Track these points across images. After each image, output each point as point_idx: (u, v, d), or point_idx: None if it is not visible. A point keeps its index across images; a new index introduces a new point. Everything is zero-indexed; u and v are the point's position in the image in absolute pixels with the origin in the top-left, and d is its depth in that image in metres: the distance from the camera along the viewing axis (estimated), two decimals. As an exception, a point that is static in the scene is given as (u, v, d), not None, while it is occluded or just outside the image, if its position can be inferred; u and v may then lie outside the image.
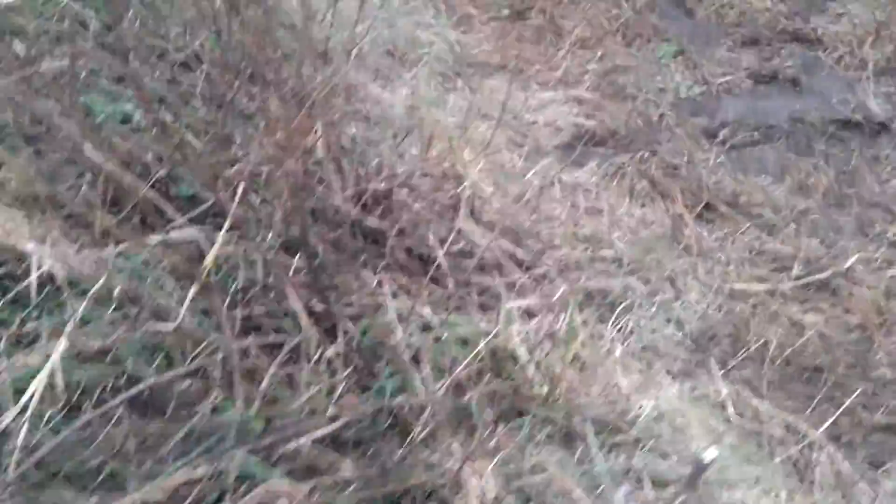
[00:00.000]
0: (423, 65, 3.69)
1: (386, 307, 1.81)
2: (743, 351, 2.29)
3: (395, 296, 1.86)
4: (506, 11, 4.51)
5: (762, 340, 2.30)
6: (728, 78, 3.64)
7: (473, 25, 4.40)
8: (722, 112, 3.45)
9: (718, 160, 3.18)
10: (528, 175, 3.04)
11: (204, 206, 1.75)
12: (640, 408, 1.92)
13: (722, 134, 3.33)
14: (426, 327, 1.80)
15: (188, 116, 2.11)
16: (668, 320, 2.41)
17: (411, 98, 3.26)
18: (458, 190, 2.62)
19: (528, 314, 2.04)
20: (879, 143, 3.13)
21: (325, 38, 3.01)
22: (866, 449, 1.97)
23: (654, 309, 2.43)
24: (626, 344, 2.21)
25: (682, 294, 2.54)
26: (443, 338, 1.75)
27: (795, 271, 2.54)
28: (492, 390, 1.74)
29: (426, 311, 1.81)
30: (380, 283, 1.89)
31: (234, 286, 1.75)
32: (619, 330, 2.26)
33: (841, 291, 2.42)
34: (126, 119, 2.02)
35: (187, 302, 1.48)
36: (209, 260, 1.48)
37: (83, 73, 1.98)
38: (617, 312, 2.33)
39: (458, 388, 1.72)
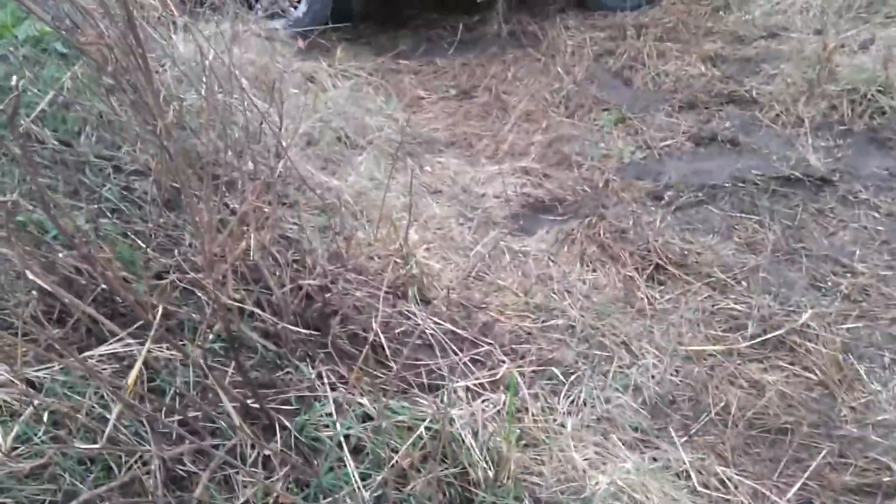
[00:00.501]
0: (372, 148, 3.72)
1: (323, 399, 1.74)
2: (704, 416, 2.24)
3: (333, 387, 1.79)
4: (453, 91, 4.61)
5: (722, 403, 2.25)
6: (669, 142, 3.70)
7: (423, 106, 4.48)
8: (665, 174, 3.48)
9: (665, 222, 3.18)
10: (478, 247, 3.03)
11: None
12: (597, 484, 1.84)
13: (667, 196, 3.35)
14: (366, 417, 1.73)
15: (139, 223, 2.08)
16: (625, 387, 2.35)
17: (358, 183, 3.27)
18: (404, 270, 2.59)
19: (475, 393, 1.98)
20: (823, 196, 3.16)
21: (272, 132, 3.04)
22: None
23: (608, 377, 2.38)
24: (579, 416, 2.15)
25: (637, 359, 2.49)
26: (382, 426, 1.67)
27: (751, 330, 2.51)
28: (436, 478, 1.66)
29: (364, 400, 1.74)
30: (319, 376, 1.82)
31: (169, 391, 1.69)
32: (572, 402, 2.20)
33: (798, 348, 2.38)
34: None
35: (112, 419, 1.42)
36: (132, 377, 1.42)
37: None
38: (569, 383, 2.28)
39: (402, 478, 1.64)
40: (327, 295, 2.14)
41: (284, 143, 2.95)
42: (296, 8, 4.81)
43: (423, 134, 4.10)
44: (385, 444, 1.64)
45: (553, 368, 2.33)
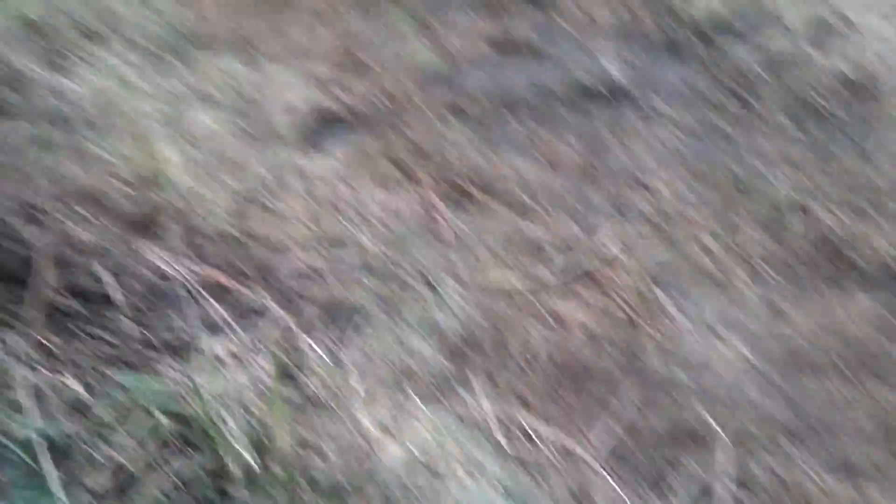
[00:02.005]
0: (124, 43, 3.07)
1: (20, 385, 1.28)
2: (509, 359, 2.02)
3: (33, 367, 1.33)
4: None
5: (526, 344, 2.04)
6: (469, 47, 3.40)
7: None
8: (466, 84, 3.20)
9: (466, 137, 2.91)
10: (258, 168, 2.58)
11: None
12: (388, 454, 1.56)
13: (467, 108, 3.07)
14: (77, 405, 1.29)
15: None
16: (426, 329, 2.08)
17: (102, 85, 2.66)
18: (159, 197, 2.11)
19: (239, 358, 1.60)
20: (622, 111, 3.02)
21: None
22: (648, 462, 1.76)
23: (407, 319, 2.09)
24: (373, 370, 1.85)
25: (440, 296, 2.22)
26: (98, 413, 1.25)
27: (556, 261, 2.32)
28: (180, 473, 1.28)
29: (75, 382, 1.30)
30: (6, 348, 1.34)
31: None
32: (363, 353, 1.89)
33: (603, 280, 2.22)
34: None
35: None
36: None
37: None
38: (362, 329, 1.97)
39: (130, 481, 1.25)
40: (36, 232, 1.63)
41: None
42: None
43: (191, 28, 3.48)
44: (103, 439, 1.23)
45: (343, 313, 2.00)
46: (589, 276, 2.24)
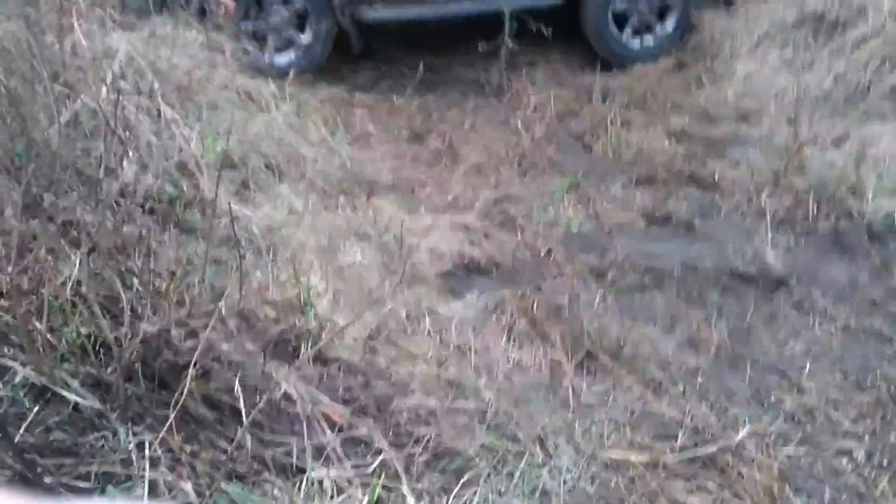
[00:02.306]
0: (302, 181, 3.39)
1: (136, 479, 1.37)
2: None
3: (155, 462, 1.42)
4: (405, 132, 4.34)
5: (637, 527, 1.92)
6: (621, 216, 3.43)
7: (370, 144, 4.19)
8: (612, 251, 3.20)
9: (604, 304, 2.89)
10: (394, 304, 2.69)
11: None
12: None
13: (611, 274, 3.06)
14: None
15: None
16: (531, 492, 2.01)
17: (274, 215, 2.93)
18: (300, 322, 2.24)
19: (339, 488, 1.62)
20: (776, 299, 2.88)
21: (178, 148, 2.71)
22: None
23: (514, 477, 2.03)
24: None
25: (551, 459, 2.15)
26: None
27: (681, 441, 2.20)
28: None
29: (189, 486, 1.37)
30: (140, 445, 1.44)
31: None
32: (464, 506, 1.85)
33: (730, 470, 2.07)
34: None
35: None
36: None
37: None
38: (464, 480, 1.93)
39: None
40: (188, 343, 1.78)
41: (192, 159, 2.62)
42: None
43: (363, 172, 3.79)
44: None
45: (449, 461, 1.98)
46: (714, 465, 2.09)
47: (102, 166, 1.76)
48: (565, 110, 4.36)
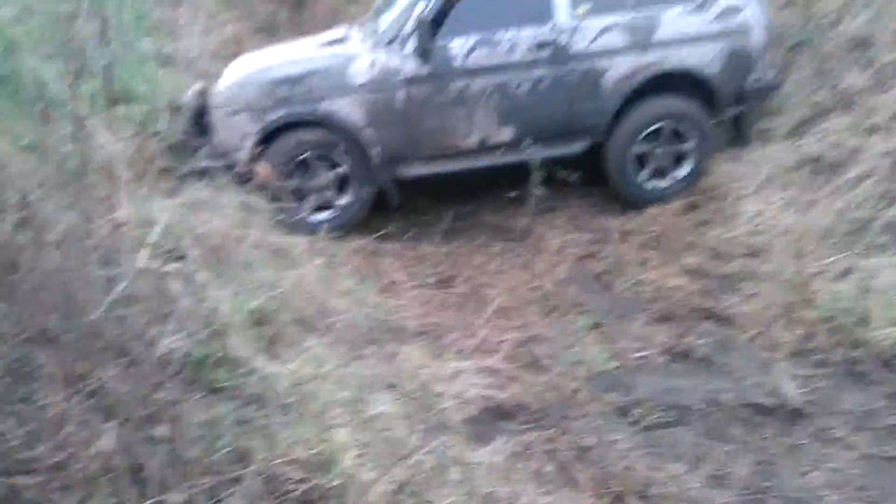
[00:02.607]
0: (330, 333, 3.56)
1: None
2: None
3: None
4: (432, 279, 4.53)
5: None
6: (643, 353, 3.53)
7: (398, 292, 4.37)
8: (636, 389, 3.28)
9: (631, 443, 2.94)
10: (419, 454, 2.76)
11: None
12: None
13: (635, 412, 3.13)
14: None
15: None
16: None
17: (302, 370, 3.07)
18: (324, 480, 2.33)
19: None
20: (796, 430, 2.92)
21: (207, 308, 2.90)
22: None
23: None
24: None
25: None
26: None
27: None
28: None
29: None
30: None
31: None
32: None
33: None
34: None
35: None
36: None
37: None
38: None
39: None
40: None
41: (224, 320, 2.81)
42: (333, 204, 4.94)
43: (391, 321, 3.96)
44: None
45: None
46: None
47: (144, 341, 1.95)
48: (585, 252, 4.55)
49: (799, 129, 4.89)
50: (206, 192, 4.20)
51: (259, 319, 3.24)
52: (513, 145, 4.86)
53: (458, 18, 4.70)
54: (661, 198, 4.93)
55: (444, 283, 4.48)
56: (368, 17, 5.53)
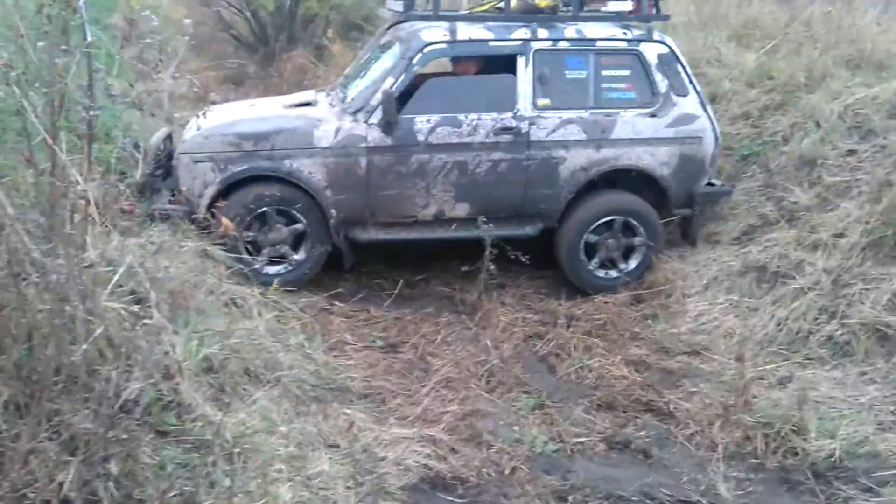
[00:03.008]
0: (277, 387, 3.52)
1: None
2: None
3: None
4: (380, 342, 4.54)
5: None
6: (583, 439, 3.58)
7: (346, 352, 4.36)
8: (574, 474, 3.32)
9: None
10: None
11: None
12: None
13: (572, 498, 3.16)
14: None
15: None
16: None
17: (248, 421, 3.03)
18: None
19: None
20: (727, 529, 3.00)
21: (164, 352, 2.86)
22: None
23: None
24: None
25: None
26: None
27: None
28: None
29: None
30: None
31: None
32: None
33: None
34: None
35: None
36: None
37: None
38: None
39: None
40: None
41: (176, 365, 2.77)
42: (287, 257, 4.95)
43: (337, 380, 3.94)
44: None
45: None
46: None
47: (103, 380, 1.91)
48: (532, 332, 4.63)
49: (745, 237, 5.14)
50: (167, 236, 4.16)
51: (210, 367, 3.19)
52: (467, 221, 4.97)
53: (425, 97, 4.86)
54: (607, 287, 5.09)
55: (392, 348, 4.50)
56: (336, 85, 5.68)
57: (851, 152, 5.13)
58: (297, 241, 4.96)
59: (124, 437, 1.84)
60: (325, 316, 4.71)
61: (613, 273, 5.17)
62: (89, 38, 4.63)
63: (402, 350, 4.46)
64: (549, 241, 5.19)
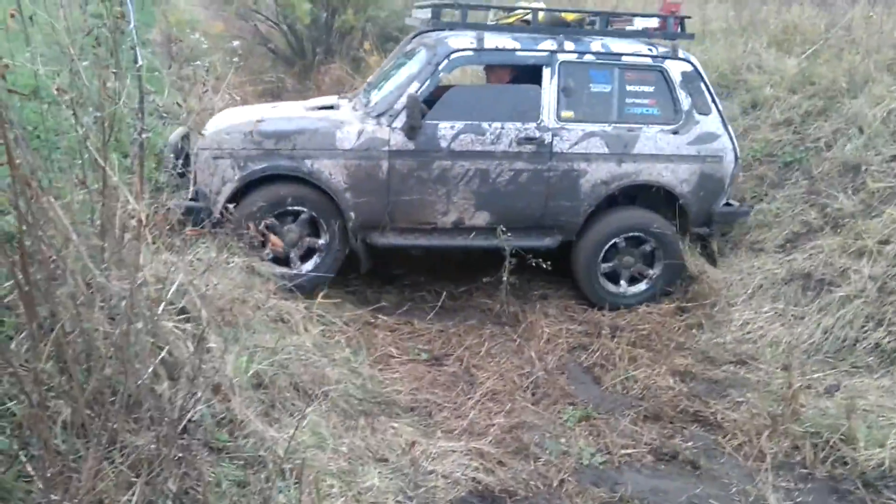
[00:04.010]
0: (325, 401, 3.59)
1: None
2: None
3: None
4: (424, 355, 4.58)
5: None
6: (630, 451, 3.59)
7: (391, 365, 4.42)
8: (622, 486, 3.32)
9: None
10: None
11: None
12: None
13: (620, 511, 3.16)
14: None
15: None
16: None
17: (299, 437, 3.10)
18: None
19: None
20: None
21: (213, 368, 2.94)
22: None
23: None
24: None
25: None
26: None
27: None
28: None
29: None
30: None
31: None
32: None
33: None
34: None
35: None
36: None
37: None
38: None
39: None
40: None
41: (227, 381, 2.85)
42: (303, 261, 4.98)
43: (383, 394, 3.99)
44: None
45: None
46: None
47: (176, 405, 1.99)
48: (576, 343, 4.65)
49: (789, 244, 5.11)
50: (212, 253, 4.26)
51: (259, 383, 3.28)
52: (486, 231, 5.00)
53: (449, 104, 4.89)
54: (622, 304, 5.13)
55: (436, 360, 4.54)
56: (359, 91, 5.75)
57: (895, 157, 5.07)
58: (308, 252, 4.97)
59: (182, 455, 1.92)
60: (369, 329, 4.77)
61: (629, 289, 5.21)
62: (140, 62, 4.80)
63: (446, 362, 4.49)
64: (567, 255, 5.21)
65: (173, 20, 12.06)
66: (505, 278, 4.79)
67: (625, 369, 4.29)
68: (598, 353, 4.50)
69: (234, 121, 4.91)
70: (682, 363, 4.33)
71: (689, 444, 3.64)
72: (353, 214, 4.87)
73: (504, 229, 4.81)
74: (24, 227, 1.68)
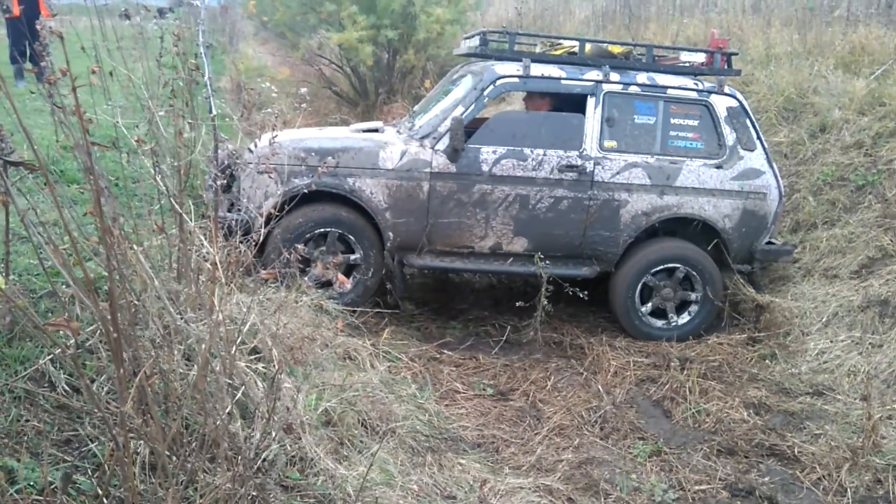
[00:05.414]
0: (392, 438, 3.62)
1: None
2: None
3: None
4: (490, 390, 4.58)
5: None
6: (704, 487, 3.50)
7: (457, 400, 4.43)
8: (699, 528, 3.24)
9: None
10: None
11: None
12: None
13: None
14: None
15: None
16: None
17: (366, 475, 3.14)
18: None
19: None
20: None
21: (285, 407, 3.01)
22: None
23: None
24: None
25: None
26: None
27: None
28: None
29: None
30: None
31: None
32: None
33: None
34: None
35: None
36: None
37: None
38: None
39: None
40: None
41: (298, 420, 2.91)
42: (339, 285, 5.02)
43: (450, 430, 4.00)
44: None
45: None
46: None
47: (252, 444, 2.06)
48: (644, 376, 4.58)
49: (865, 270, 4.95)
50: (282, 293, 4.39)
51: (328, 420, 3.34)
52: (524, 257, 5.00)
53: (493, 129, 4.95)
54: (659, 337, 5.06)
55: (502, 395, 4.53)
56: (403, 119, 5.87)
57: (972, 178, 4.89)
58: (349, 268, 5.04)
59: (257, 494, 1.97)
60: (434, 365, 4.79)
61: (666, 323, 5.15)
62: (214, 111, 5.03)
63: (512, 397, 4.48)
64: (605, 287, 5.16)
65: (242, 68, 12.57)
66: (540, 306, 4.78)
67: (696, 402, 4.20)
68: (667, 386, 4.42)
69: (281, 138, 5.07)
70: (755, 395, 4.21)
71: (766, 479, 3.53)
72: (391, 234, 4.95)
73: (542, 256, 4.81)
74: (112, 275, 1.79)
